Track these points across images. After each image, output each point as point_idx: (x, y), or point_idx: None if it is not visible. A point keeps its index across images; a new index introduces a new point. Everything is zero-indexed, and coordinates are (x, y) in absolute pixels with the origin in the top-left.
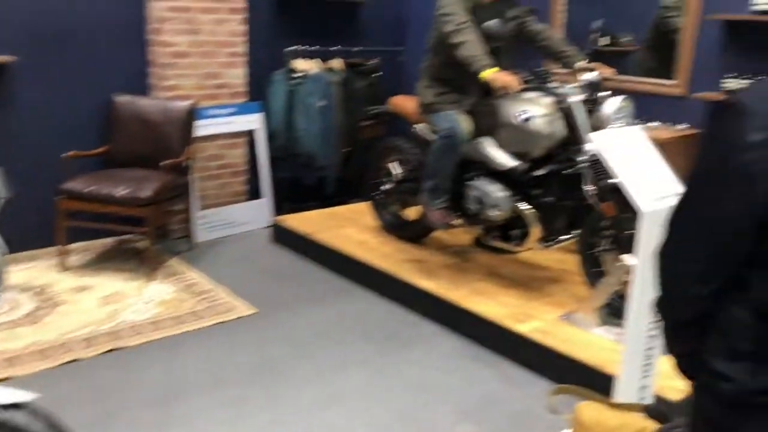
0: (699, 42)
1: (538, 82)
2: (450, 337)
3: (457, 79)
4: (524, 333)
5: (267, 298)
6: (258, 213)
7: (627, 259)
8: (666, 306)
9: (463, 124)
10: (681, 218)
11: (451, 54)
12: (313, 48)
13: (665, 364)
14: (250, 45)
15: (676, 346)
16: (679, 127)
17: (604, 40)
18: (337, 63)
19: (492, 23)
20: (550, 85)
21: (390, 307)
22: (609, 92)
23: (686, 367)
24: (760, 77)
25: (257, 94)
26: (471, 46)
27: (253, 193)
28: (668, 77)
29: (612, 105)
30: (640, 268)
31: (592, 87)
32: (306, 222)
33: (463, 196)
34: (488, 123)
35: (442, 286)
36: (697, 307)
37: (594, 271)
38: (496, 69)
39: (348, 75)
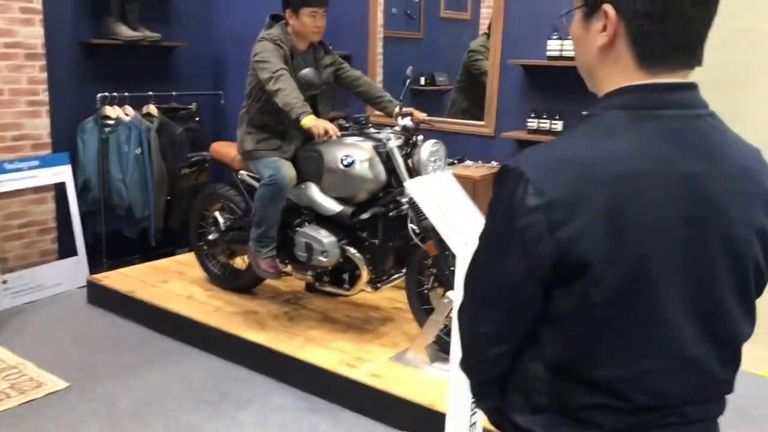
0: (503, 85)
1: (357, 129)
2: (285, 391)
3: (277, 125)
4: (358, 379)
5: (82, 369)
6: (71, 272)
7: (451, 295)
8: (469, 365)
9: (287, 170)
10: (474, 280)
11: (269, 100)
12: (125, 93)
13: None
14: (53, 92)
15: (482, 402)
16: (490, 165)
17: (422, 80)
18: (152, 108)
19: (307, 71)
20: (368, 130)
21: (221, 365)
22: (421, 137)
23: (495, 421)
24: (551, 140)
25: (65, 144)
26: (288, 93)
27: (66, 251)
28: (479, 117)
29: (426, 149)
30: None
31: (408, 131)
32: (126, 279)
33: (292, 243)
34: (312, 169)
35: (274, 338)
36: (498, 366)
37: (423, 309)
38: (313, 117)
39: (164, 121)
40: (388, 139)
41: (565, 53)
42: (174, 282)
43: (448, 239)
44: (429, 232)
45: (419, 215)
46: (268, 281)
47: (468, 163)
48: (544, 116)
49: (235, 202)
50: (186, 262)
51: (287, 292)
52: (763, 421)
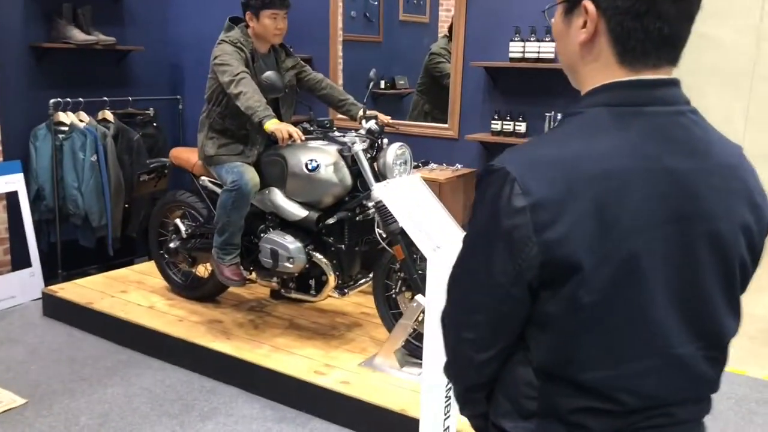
0: (466, 87)
1: (321, 132)
2: (252, 400)
3: (239, 130)
4: (326, 386)
5: (39, 384)
6: (25, 284)
7: (420, 299)
8: (454, 371)
9: (250, 175)
10: (458, 284)
11: (231, 104)
12: (79, 99)
13: None
14: (3, 98)
15: (468, 408)
16: (455, 167)
17: (382, 84)
18: (108, 114)
19: (269, 74)
20: (333, 134)
21: (185, 376)
22: (386, 140)
23: (479, 427)
24: (529, 136)
25: (16, 151)
26: (251, 96)
27: (19, 263)
28: (442, 120)
29: (391, 152)
30: (431, 309)
31: (373, 134)
32: (83, 290)
33: (256, 249)
34: (275, 174)
35: (239, 347)
36: (484, 371)
37: (391, 314)
38: (276, 120)
39: (121, 127)
40: (353, 143)
41: (527, 55)
42: (134, 292)
43: (419, 243)
44: (396, 236)
45: (386, 219)
46: (232, 289)
47: (432, 165)
48: (508, 118)
49: (197, 208)
50: (146, 271)
51: (251, 299)
52: None
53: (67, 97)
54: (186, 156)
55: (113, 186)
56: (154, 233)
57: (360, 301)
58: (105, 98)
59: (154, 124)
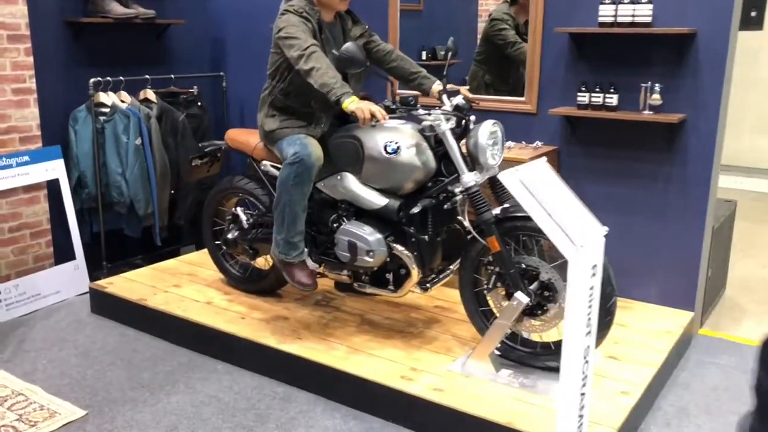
0: (546, 56)
1: (405, 110)
2: (331, 409)
3: (302, 108)
4: (418, 393)
5: (96, 392)
6: (70, 279)
7: (520, 297)
8: None
9: (313, 147)
10: None
11: (296, 81)
12: (120, 78)
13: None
14: (40, 78)
15: None
16: (535, 145)
17: (423, 55)
18: (150, 93)
19: (349, 46)
20: (417, 112)
21: (253, 380)
22: (473, 117)
23: None
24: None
25: (55, 136)
26: (325, 72)
27: (63, 256)
28: (504, 91)
29: (483, 131)
30: (571, 315)
31: (461, 111)
32: (133, 285)
33: (325, 242)
34: (348, 157)
35: (312, 348)
36: None
37: (480, 311)
38: (356, 98)
39: (164, 107)
40: (438, 121)
41: (620, 18)
42: (187, 286)
43: (556, 240)
44: (491, 226)
45: (480, 207)
46: None
47: (510, 144)
48: (597, 90)
49: (257, 196)
50: (196, 261)
51: (315, 292)
52: None
53: (106, 76)
54: (245, 138)
55: (159, 171)
56: (208, 223)
57: (433, 294)
58: (147, 76)
59: (199, 103)
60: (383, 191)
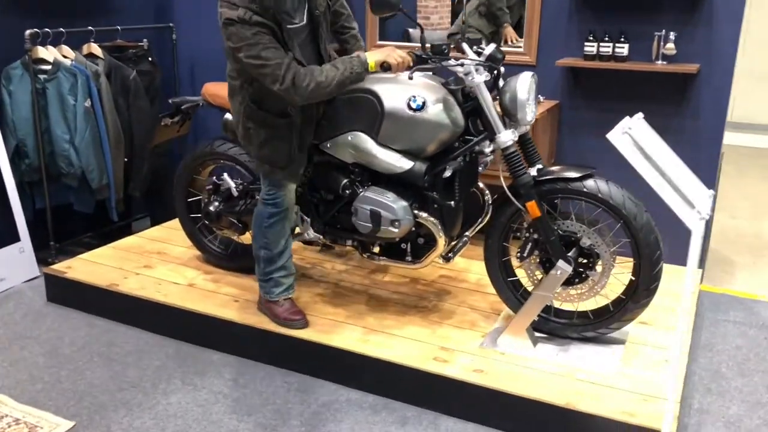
0: (546, 3)
1: (438, 60)
2: (357, 399)
3: (281, 117)
4: (458, 377)
5: (81, 396)
6: (16, 263)
7: (563, 265)
8: None
9: (289, 190)
10: None
11: (265, 89)
12: (60, 29)
13: None
14: None
15: None
16: (537, 99)
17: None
18: (95, 48)
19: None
20: (448, 62)
21: (260, 370)
22: (503, 69)
23: None
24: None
25: None
26: (328, 77)
27: (3, 238)
28: (497, 42)
29: (522, 84)
30: (689, 287)
31: (495, 62)
32: (97, 268)
33: (335, 213)
34: (362, 114)
35: (324, 330)
36: None
37: (510, 281)
38: (371, 52)
39: (113, 63)
40: (469, 73)
41: None
42: (160, 266)
43: (678, 209)
44: (530, 190)
45: (516, 169)
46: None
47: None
48: (606, 38)
49: (243, 162)
50: (161, 238)
51: (305, 264)
52: None
53: (44, 28)
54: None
55: (113, 137)
56: (181, 194)
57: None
58: (90, 28)
59: (150, 59)
60: (404, 153)
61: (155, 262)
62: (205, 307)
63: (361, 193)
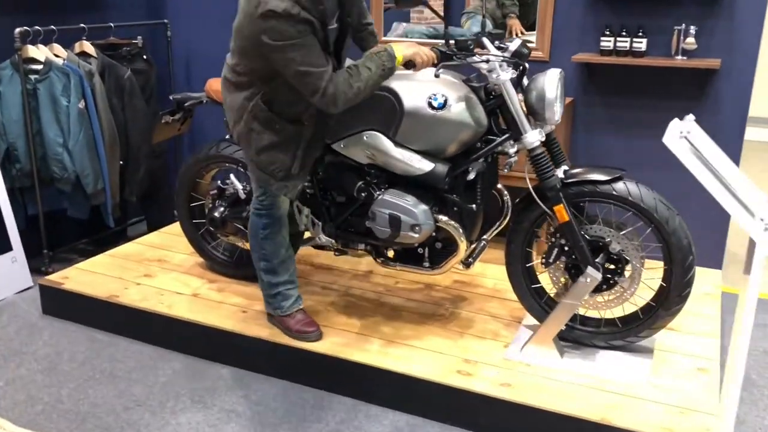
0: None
1: (463, 56)
2: (377, 415)
3: (291, 123)
4: (485, 392)
5: (85, 418)
6: (8, 274)
7: (592, 272)
8: None
9: (285, 203)
10: None
11: (284, 89)
12: (51, 27)
13: None
14: None
15: None
16: None
17: None
18: (87, 46)
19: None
20: (473, 59)
21: (273, 386)
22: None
23: None
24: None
25: None
26: (364, 78)
27: None
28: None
29: (551, 83)
30: (750, 299)
31: (521, 58)
32: (95, 278)
33: (349, 216)
34: (379, 113)
35: (340, 343)
36: None
37: (533, 288)
38: (398, 45)
39: (107, 62)
40: (493, 70)
41: None
42: (161, 275)
43: (739, 218)
44: (558, 193)
45: (544, 172)
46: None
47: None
48: (624, 33)
49: None
50: (160, 244)
51: (312, 271)
52: None
53: (35, 25)
54: None
55: (108, 139)
56: (183, 199)
57: (456, 267)
58: (83, 25)
59: (144, 57)
60: (423, 153)
61: (156, 270)
62: (211, 319)
63: (379, 197)
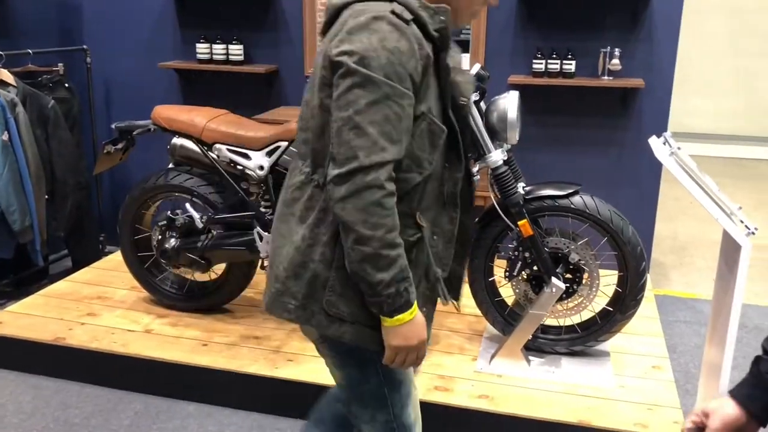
0: (492, 21)
1: None
2: None
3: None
4: (467, 405)
5: None
6: None
7: (557, 283)
8: None
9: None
10: None
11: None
12: None
13: None
14: None
15: None
16: None
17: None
18: (5, 74)
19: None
20: None
21: (244, 419)
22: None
23: None
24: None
25: None
26: (381, 232)
27: None
28: None
29: (512, 104)
30: (736, 306)
31: (482, 81)
32: (32, 320)
33: None
34: None
35: (313, 370)
36: None
37: (496, 301)
38: (416, 311)
39: (28, 91)
40: None
41: None
42: (106, 313)
43: (728, 228)
44: (521, 209)
45: (506, 189)
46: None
47: None
48: (554, 56)
49: (203, 193)
50: (95, 281)
51: (260, 297)
52: None
53: None
54: (187, 116)
55: (34, 172)
56: (127, 231)
57: None
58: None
59: (66, 84)
60: None
61: (98, 308)
62: (172, 355)
63: None
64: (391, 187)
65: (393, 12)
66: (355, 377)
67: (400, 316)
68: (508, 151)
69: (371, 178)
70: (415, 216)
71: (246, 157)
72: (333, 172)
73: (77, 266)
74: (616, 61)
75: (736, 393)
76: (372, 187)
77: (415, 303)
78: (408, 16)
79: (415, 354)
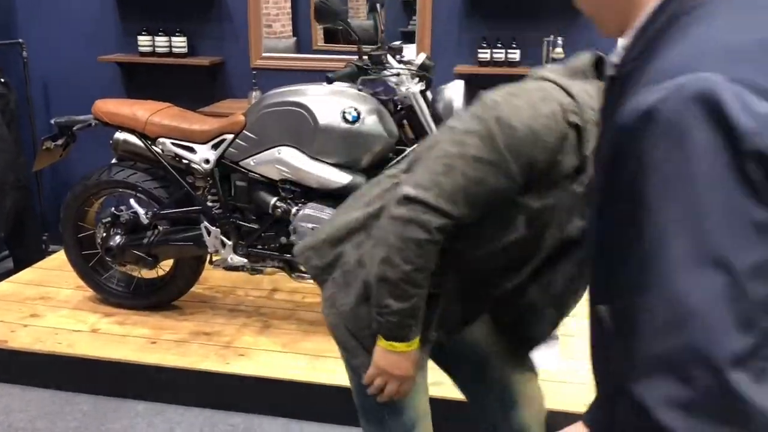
0: (437, 10)
1: (377, 70)
2: (317, 431)
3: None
4: (434, 395)
5: None
6: None
7: None
8: None
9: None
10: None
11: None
12: None
13: None
14: None
15: None
16: None
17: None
18: None
19: None
20: (385, 73)
21: (196, 416)
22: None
23: None
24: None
25: None
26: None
27: None
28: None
29: (457, 93)
30: None
31: (427, 70)
32: None
33: (262, 234)
34: (291, 129)
35: (266, 363)
36: None
37: None
38: (416, 343)
39: None
40: (402, 84)
41: None
42: (50, 314)
43: None
44: None
45: None
46: (199, 287)
47: None
48: (499, 45)
49: (148, 189)
50: (37, 281)
51: (214, 294)
52: None
53: None
54: (129, 110)
55: None
56: (70, 229)
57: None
58: None
59: (2, 80)
60: (338, 166)
61: (42, 309)
62: (120, 353)
63: (299, 211)
64: (438, 236)
65: None
66: (355, 384)
67: (395, 344)
68: None
69: (426, 219)
70: (443, 275)
71: (191, 150)
72: (405, 189)
73: (19, 267)
74: (559, 49)
75: (587, 418)
76: (422, 227)
77: (416, 341)
78: None
79: (396, 386)
